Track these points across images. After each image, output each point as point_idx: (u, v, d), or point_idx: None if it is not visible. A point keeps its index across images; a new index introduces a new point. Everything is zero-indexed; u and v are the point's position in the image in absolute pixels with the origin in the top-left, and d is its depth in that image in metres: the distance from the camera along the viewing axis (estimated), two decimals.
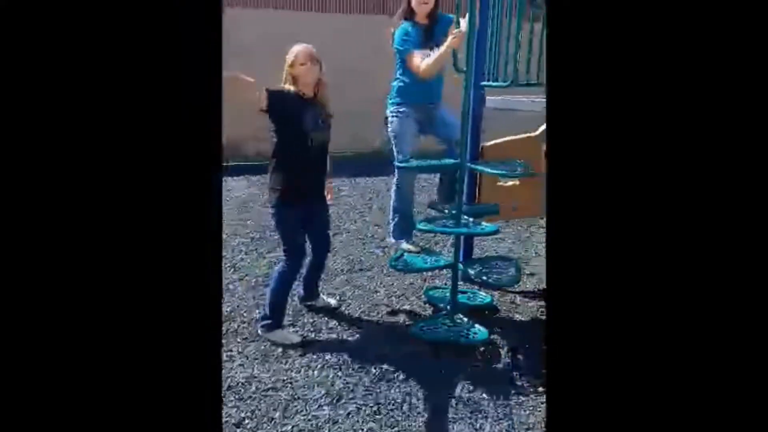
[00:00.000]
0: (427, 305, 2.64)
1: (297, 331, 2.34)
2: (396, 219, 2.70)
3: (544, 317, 2.55)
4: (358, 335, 2.34)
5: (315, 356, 2.16)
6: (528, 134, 2.95)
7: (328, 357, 2.16)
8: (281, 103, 2.07)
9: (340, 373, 2.05)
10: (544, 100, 2.64)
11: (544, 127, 2.95)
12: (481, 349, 2.22)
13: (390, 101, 2.68)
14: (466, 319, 2.36)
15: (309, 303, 2.56)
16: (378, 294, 2.77)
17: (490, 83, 2.78)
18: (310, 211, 2.27)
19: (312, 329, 2.38)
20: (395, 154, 2.60)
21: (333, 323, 2.44)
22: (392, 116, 2.63)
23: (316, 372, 2.07)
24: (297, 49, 2.13)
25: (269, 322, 2.27)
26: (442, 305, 2.55)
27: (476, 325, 2.31)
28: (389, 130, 2.65)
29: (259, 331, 2.29)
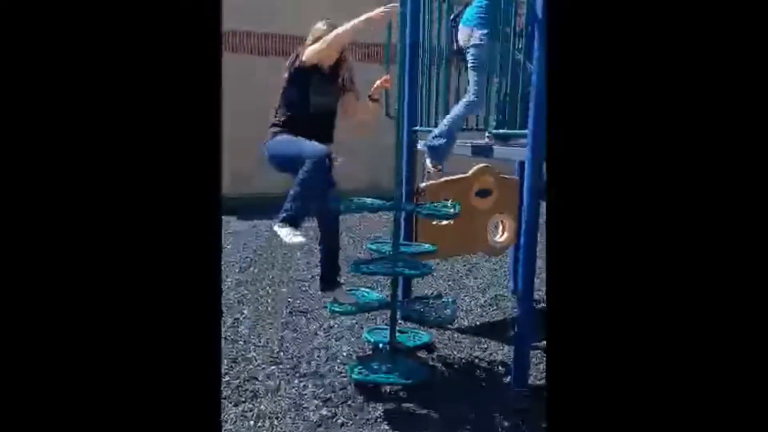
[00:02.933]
0: (367, 346, 2.63)
1: (233, 378, 2.26)
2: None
3: (481, 354, 2.61)
4: (296, 380, 2.29)
5: (250, 405, 2.09)
6: (461, 175, 3.08)
7: (262, 407, 2.09)
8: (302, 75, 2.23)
9: (276, 422, 1.99)
10: (476, 143, 2.77)
11: (476, 168, 3.09)
12: (419, 388, 2.23)
13: None
14: (405, 359, 2.37)
15: (328, 293, 2.47)
16: (318, 337, 2.73)
17: (421, 128, 2.91)
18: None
19: (248, 377, 2.30)
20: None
21: (271, 369, 2.37)
22: None
23: (251, 422, 1.99)
24: (318, 25, 2.28)
25: (284, 215, 2.14)
26: (382, 345, 2.55)
27: (415, 365, 2.32)
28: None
29: (275, 226, 2.17)
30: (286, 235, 2.12)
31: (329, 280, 2.48)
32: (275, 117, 2.34)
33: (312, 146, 2.18)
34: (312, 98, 2.27)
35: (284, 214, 2.17)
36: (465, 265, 4.05)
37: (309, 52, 2.23)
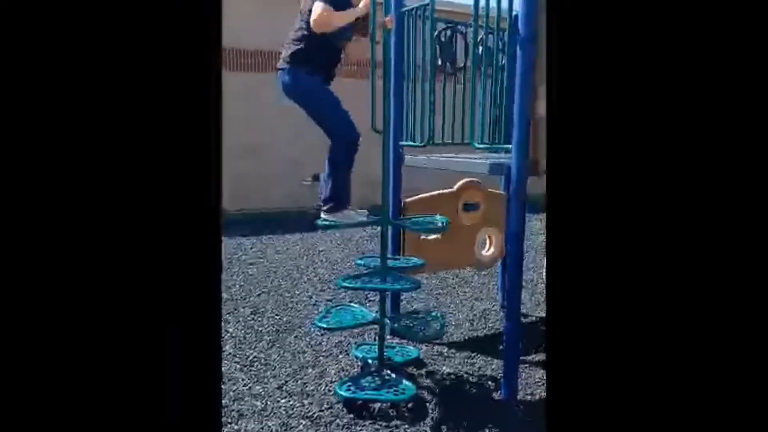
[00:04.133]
0: (355, 363, 2.60)
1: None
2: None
3: (470, 369, 2.59)
4: (283, 399, 2.25)
5: (236, 426, 2.04)
6: (447, 190, 3.09)
7: (249, 427, 2.04)
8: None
9: None
10: (462, 159, 2.78)
11: (462, 182, 3.10)
12: (409, 405, 2.21)
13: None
14: (394, 375, 2.34)
15: (335, 213, 2.51)
16: (305, 354, 2.69)
17: (407, 142, 2.92)
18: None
19: (234, 397, 2.26)
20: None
21: (258, 388, 2.33)
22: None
23: None
24: None
25: (332, 204, 2.35)
26: (370, 362, 2.52)
27: (404, 381, 2.30)
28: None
29: (323, 215, 2.35)
30: (344, 217, 2.40)
31: (335, 199, 2.49)
32: (297, 46, 2.44)
33: (348, 124, 2.39)
34: (333, 43, 2.46)
35: (331, 204, 2.40)
36: (454, 279, 4.04)
37: (314, 25, 2.36)
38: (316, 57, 2.44)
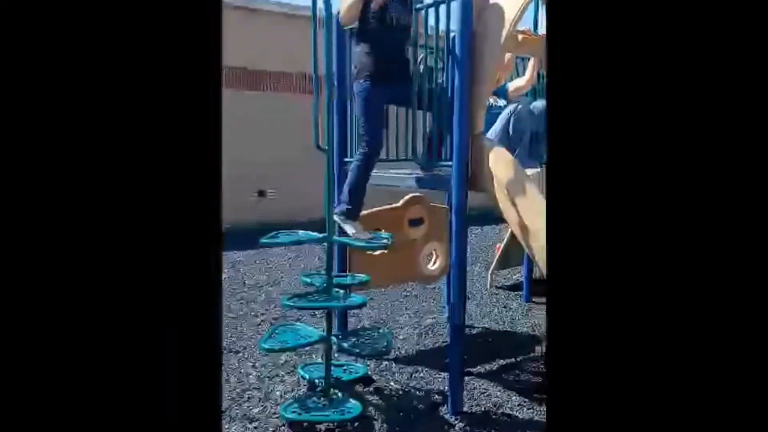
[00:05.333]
0: (302, 383, 2.55)
1: None
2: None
3: (418, 384, 2.60)
4: (226, 425, 2.17)
5: None
6: (393, 205, 3.12)
7: None
8: None
9: None
10: (406, 174, 2.81)
11: (407, 197, 3.14)
12: (356, 424, 2.19)
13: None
14: (341, 394, 2.32)
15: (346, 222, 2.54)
16: (250, 377, 2.62)
17: (352, 159, 2.93)
18: (397, 92, 2.44)
19: None
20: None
21: None
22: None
23: None
24: None
25: (348, 208, 2.43)
26: (317, 381, 2.48)
27: (351, 400, 2.27)
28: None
29: (335, 218, 2.41)
30: (353, 231, 2.44)
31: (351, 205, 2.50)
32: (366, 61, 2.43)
33: (374, 135, 2.41)
34: (375, 44, 2.42)
35: (346, 207, 2.44)
36: (402, 294, 4.07)
37: (341, 19, 2.44)
38: (361, 62, 2.43)
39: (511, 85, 2.90)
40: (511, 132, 2.61)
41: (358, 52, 2.46)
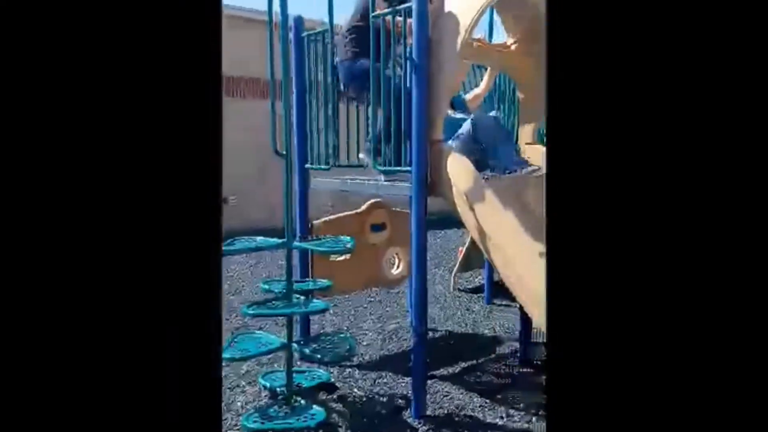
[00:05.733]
0: (264, 392, 2.52)
1: None
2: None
3: (381, 389, 2.60)
4: None
5: None
6: (355, 211, 3.12)
7: None
8: None
9: None
10: (369, 181, 2.81)
11: (368, 203, 3.15)
12: (320, 431, 2.17)
13: None
14: (303, 401, 2.29)
15: None
16: None
17: (312, 166, 2.92)
18: None
19: None
20: None
21: None
22: None
23: None
24: None
25: None
26: (278, 390, 2.45)
27: (314, 407, 2.25)
28: None
29: None
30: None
31: None
32: None
33: None
34: None
35: None
36: (366, 300, 4.07)
37: None
38: None
39: (470, 95, 2.95)
40: (473, 141, 2.65)
41: None
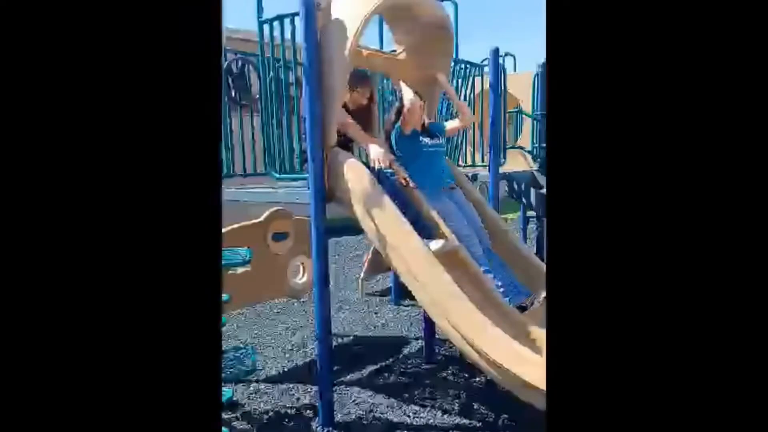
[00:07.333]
0: None
1: None
2: None
3: (288, 402, 2.54)
4: None
5: None
6: (254, 220, 3.03)
7: None
8: None
9: None
10: (264, 189, 2.73)
11: (269, 212, 3.08)
12: None
13: None
14: None
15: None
16: None
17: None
18: None
19: None
20: None
21: None
22: None
23: None
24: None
25: None
26: None
27: None
28: None
29: None
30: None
31: None
32: None
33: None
34: None
35: None
36: (272, 310, 3.96)
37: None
38: None
39: (448, 124, 2.94)
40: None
41: None
